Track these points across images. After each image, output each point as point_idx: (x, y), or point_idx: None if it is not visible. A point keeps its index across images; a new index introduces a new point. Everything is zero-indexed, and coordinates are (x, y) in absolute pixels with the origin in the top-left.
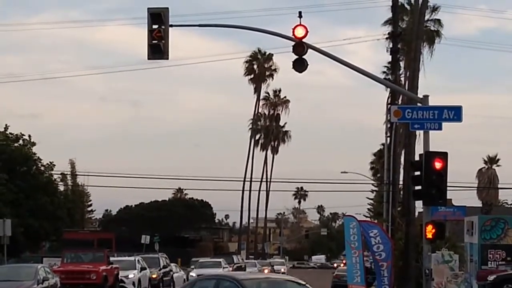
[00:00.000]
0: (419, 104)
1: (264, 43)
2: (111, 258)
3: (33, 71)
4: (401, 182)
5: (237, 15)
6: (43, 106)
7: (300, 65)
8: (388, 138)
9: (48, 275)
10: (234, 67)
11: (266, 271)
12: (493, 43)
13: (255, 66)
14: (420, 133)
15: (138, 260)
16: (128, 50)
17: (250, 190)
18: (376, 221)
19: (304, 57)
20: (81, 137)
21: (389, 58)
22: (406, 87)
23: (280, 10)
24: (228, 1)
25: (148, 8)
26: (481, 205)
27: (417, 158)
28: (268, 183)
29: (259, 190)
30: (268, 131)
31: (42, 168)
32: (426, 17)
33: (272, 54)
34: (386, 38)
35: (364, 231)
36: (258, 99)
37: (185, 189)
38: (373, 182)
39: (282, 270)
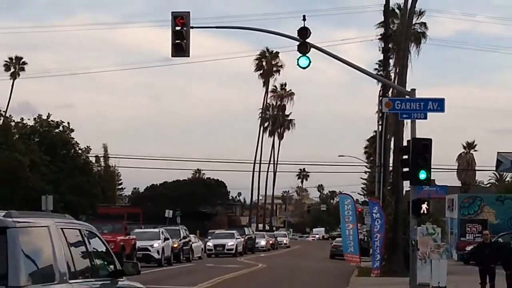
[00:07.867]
0: (407, 97)
1: (267, 43)
2: (139, 230)
3: (65, 67)
4: (391, 165)
5: (241, 18)
6: (75, 98)
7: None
8: (380, 126)
9: None
10: (242, 64)
11: (270, 241)
12: (468, 43)
13: (263, 63)
14: (407, 122)
15: (162, 232)
16: (149, 49)
17: (259, 171)
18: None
19: (307, 55)
20: (110, 124)
21: (378, 56)
22: (396, 82)
23: (276, 15)
24: (234, 7)
25: (172, 12)
26: (460, 185)
27: (405, 143)
28: (275, 165)
29: (267, 171)
30: (275, 120)
31: (80, 151)
32: (414, 21)
33: (279, 52)
34: (379, 39)
35: (370, 208)
36: (266, 92)
37: (203, 170)
38: (366, 164)
39: (284, 241)
